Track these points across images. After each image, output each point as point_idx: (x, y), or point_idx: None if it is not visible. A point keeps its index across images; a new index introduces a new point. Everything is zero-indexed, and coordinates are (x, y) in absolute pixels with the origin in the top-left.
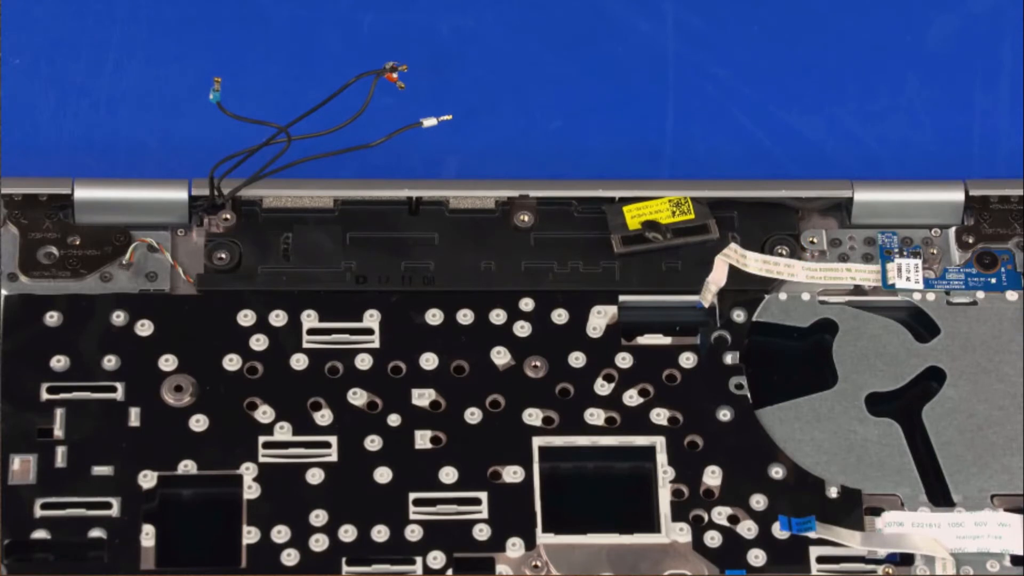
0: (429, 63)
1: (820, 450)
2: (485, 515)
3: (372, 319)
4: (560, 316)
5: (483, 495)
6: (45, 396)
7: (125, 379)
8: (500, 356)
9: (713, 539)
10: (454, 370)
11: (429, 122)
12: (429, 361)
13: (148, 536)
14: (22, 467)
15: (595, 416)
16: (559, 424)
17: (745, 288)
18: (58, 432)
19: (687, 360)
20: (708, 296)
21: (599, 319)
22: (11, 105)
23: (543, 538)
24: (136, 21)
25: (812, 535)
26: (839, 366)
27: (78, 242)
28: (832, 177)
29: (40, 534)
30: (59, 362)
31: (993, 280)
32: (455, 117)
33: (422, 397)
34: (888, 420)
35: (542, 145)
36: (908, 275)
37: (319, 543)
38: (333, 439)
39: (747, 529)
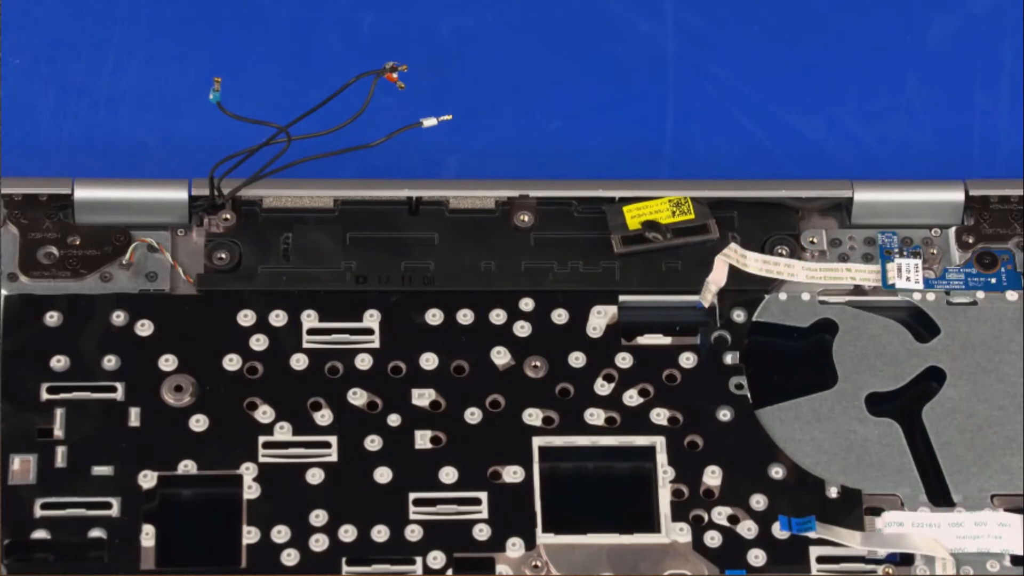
0: (429, 63)
1: (820, 450)
2: (485, 515)
3: (372, 319)
4: (560, 316)
5: (483, 495)
6: (45, 396)
7: (125, 379)
8: (500, 356)
9: (713, 539)
10: (454, 370)
11: (429, 122)
12: (429, 361)
13: (148, 536)
14: (22, 467)
15: (595, 416)
16: (559, 424)
17: (745, 288)
18: (58, 432)
19: (687, 360)
20: (708, 296)
21: (599, 319)
22: (11, 105)
23: (543, 538)
24: (136, 21)
25: (812, 535)
26: (839, 366)
27: (78, 242)
28: (832, 177)
29: (40, 534)
30: (59, 362)
31: (993, 280)
32: (455, 117)
33: (422, 397)
34: (888, 420)
35: (542, 145)
36: (908, 275)
37: (319, 543)
38: (333, 439)
39: (747, 529)
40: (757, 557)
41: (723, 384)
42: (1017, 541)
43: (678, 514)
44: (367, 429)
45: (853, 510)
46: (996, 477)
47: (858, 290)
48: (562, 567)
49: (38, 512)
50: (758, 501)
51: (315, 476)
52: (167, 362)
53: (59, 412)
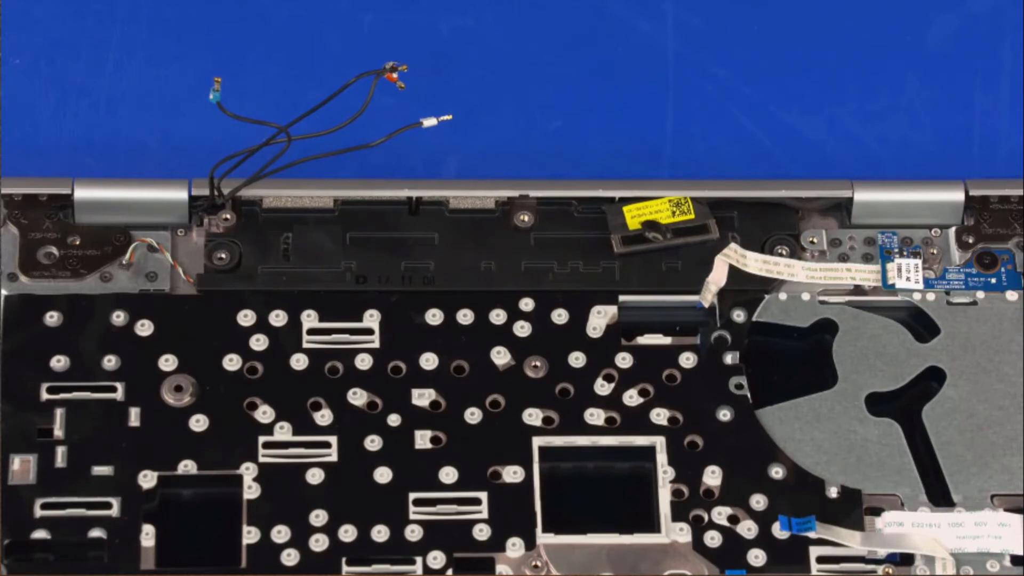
0: (429, 63)
1: (820, 450)
2: (485, 515)
3: (372, 319)
4: (560, 316)
5: (483, 495)
6: (45, 396)
7: (125, 379)
8: (500, 356)
9: (713, 539)
10: (454, 370)
11: (429, 122)
12: (429, 361)
13: (148, 536)
14: (22, 467)
15: (595, 416)
16: (559, 424)
17: (745, 288)
18: (58, 432)
19: (687, 360)
20: (708, 296)
21: (599, 319)
22: (11, 105)
23: (543, 538)
24: (136, 21)
25: (812, 535)
26: (839, 366)
27: (78, 242)
28: (832, 177)
29: (40, 534)
30: (59, 362)
31: (993, 280)
32: (455, 117)
33: (422, 397)
34: (888, 420)
35: (542, 145)
36: (908, 275)
37: (319, 543)
38: (333, 439)
39: (747, 529)
40: (757, 557)
41: (723, 384)
42: (1017, 541)
43: (678, 514)
44: (367, 429)
45: (853, 510)
46: (996, 477)
47: (858, 290)
48: (562, 567)
49: (38, 512)
50: (758, 501)
51: (315, 476)
52: (167, 362)
53: (59, 412)
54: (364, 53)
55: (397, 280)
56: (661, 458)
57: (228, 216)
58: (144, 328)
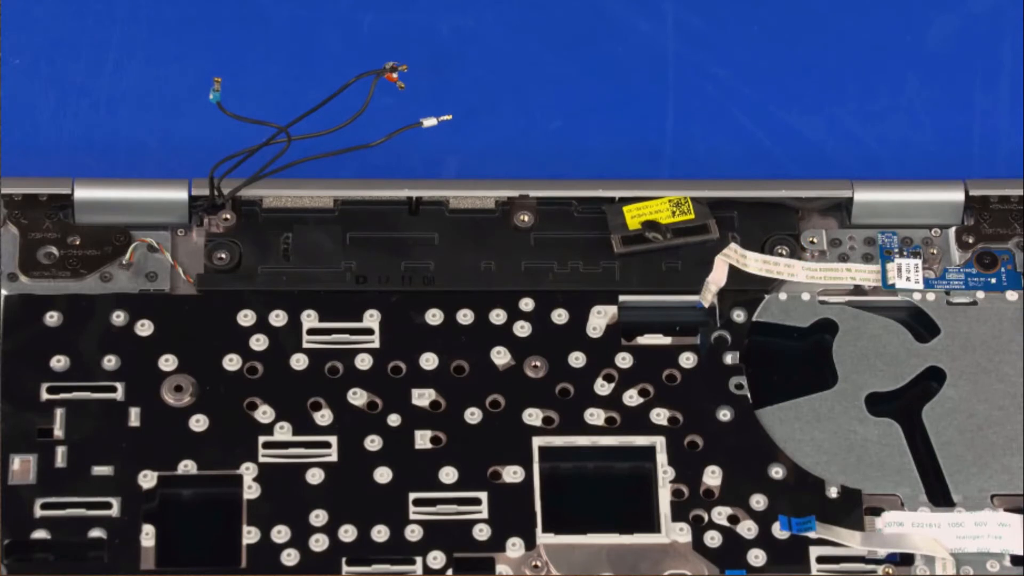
0: (429, 63)
1: (820, 450)
2: (485, 515)
3: (372, 319)
4: (560, 316)
5: (483, 495)
6: (45, 396)
7: (125, 379)
8: (500, 356)
9: (713, 539)
10: (454, 370)
11: (429, 122)
12: (429, 361)
13: (148, 536)
14: (22, 467)
15: (595, 416)
16: (559, 424)
17: (745, 288)
18: (58, 432)
19: (687, 360)
20: (708, 296)
21: (599, 319)
22: (11, 105)
23: (543, 538)
24: (136, 21)
25: (812, 535)
26: (839, 366)
27: (78, 242)
28: (832, 177)
29: (40, 534)
30: (59, 362)
31: (993, 280)
32: (455, 117)
33: (422, 397)
34: (888, 420)
35: (542, 145)
36: (908, 275)
37: (319, 543)
38: (333, 439)
39: (747, 529)
40: (757, 557)
41: (723, 384)
42: (1017, 541)
43: (678, 514)
44: (367, 429)
45: (853, 510)
46: (996, 477)
47: (858, 290)
48: (562, 567)
49: (38, 512)
50: (758, 501)
51: (315, 476)
52: (167, 362)
53: (59, 412)
54: (364, 53)
55: (397, 280)
56: (661, 458)
57: (228, 216)
58: (144, 328)
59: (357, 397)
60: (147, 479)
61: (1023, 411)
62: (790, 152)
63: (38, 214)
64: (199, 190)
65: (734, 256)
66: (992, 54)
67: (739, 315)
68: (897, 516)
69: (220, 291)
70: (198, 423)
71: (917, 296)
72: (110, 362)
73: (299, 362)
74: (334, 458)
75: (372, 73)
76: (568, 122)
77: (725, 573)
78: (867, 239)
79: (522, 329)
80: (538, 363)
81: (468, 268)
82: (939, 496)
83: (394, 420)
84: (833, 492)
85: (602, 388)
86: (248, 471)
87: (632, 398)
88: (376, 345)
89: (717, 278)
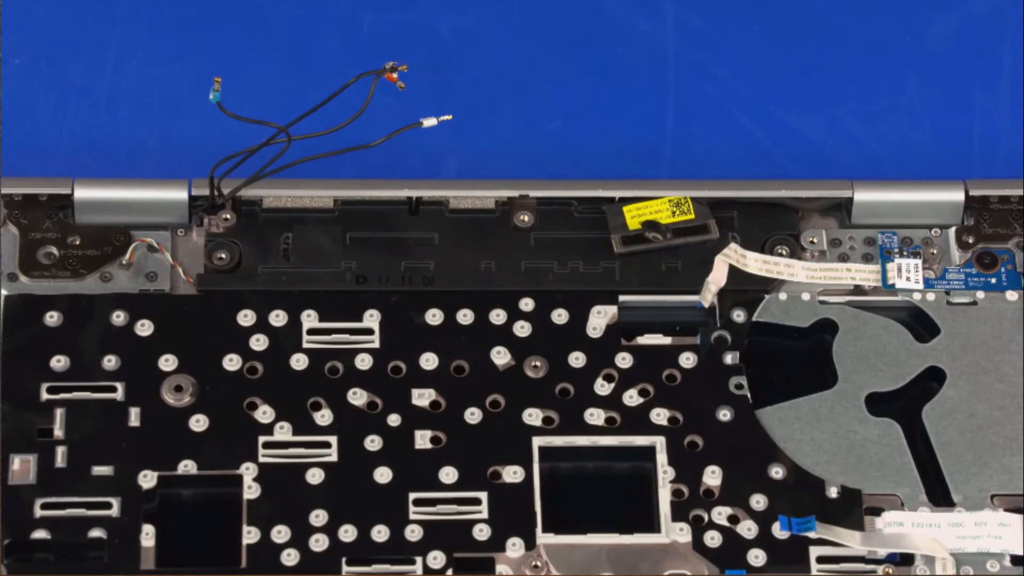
0: (429, 63)
1: (820, 450)
2: (485, 515)
3: (372, 319)
4: (560, 316)
5: (483, 495)
6: (45, 396)
7: (125, 379)
8: (500, 356)
9: (713, 539)
10: (454, 370)
11: (429, 122)
12: (429, 361)
13: (148, 536)
14: (22, 467)
15: (595, 416)
16: (559, 424)
17: (745, 288)
18: (58, 432)
19: (687, 360)
20: (708, 296)
21: (599, 319)
22: (11, 105)
23: (543, 538)
24: (136, 21)
25: (812, 535)
26: (839, 366)
27: (78, 242)
28: (832, 177)
29: (40, 534)
30: (59, 362)
31: (993, 280)
32: (455, 117)
33: (422, 397)
34: (888, 420)
35: (542, 145)
36: (908, 275)
37: (319, 543)
38: (333, 439)
39: (747, 529)
40: (757, 557)
41: (723, 384)
42: (1017, 541)
43: (678, 514)
44: (367, 429)
45: (853, 510)
46: (996, 477)
47: (858, 290)
48: (562, 567)
49: (38, 512)
50: (758, 501)
51: (315, 476)
52: (167, 362)
53: (59, 412)
54: (364, 53)
55: (397, 280)
56: (661, 458)
57: (228, 216)
58: (144, 328)
59: (357, 397)
60: (147, 479)
61: (1023, 411)
62: (790, 152)
63: (38, 214)
64: (199, 190)
65: (734, 256)
66: (992, 54)
67: (739, 315)
68: (897, 516)
69: (220, 291)
70: (198, 423)
71: (917, 296)
72: (110, 362)
73: (299, 362)
74: (334, 458)
75: (372, 73)
76: (568, 122)
77: (725, 573)
78: (867, 239)
79: (522, 329)
80: (538, 363)
81: (468, 268)
82: (939, 496)
83: (394, 420)
84: (833, 492)
85: (602, 388)
86: (248, 471)
87: (632, 398)
88: (376, 345)
89: (717, 278)
